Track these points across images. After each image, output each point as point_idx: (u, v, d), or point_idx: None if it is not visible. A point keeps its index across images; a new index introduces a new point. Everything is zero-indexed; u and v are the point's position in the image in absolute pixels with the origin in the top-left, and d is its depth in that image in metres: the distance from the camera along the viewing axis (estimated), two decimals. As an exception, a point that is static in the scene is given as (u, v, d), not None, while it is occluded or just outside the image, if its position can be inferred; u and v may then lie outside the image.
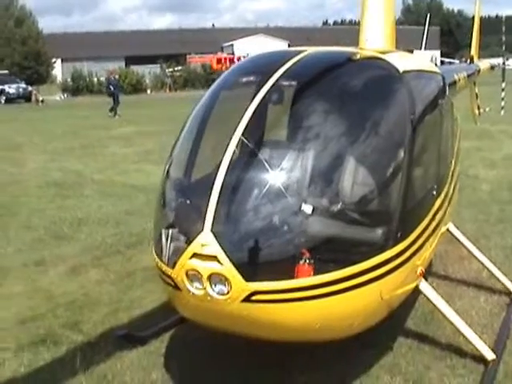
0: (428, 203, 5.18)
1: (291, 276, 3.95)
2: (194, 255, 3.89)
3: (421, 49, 13.80)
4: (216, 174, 4.03)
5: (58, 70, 75.47)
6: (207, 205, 3.92)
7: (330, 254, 4.20)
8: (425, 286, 5.36)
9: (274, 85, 4.44)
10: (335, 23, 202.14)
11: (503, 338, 5.77)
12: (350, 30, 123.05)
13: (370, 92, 4.86)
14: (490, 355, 5.30)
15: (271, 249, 4.03)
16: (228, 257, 3.80)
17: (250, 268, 3.90)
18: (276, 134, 4.63)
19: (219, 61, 67.13)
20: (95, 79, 59.35)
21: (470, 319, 5.90)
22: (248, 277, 3.84)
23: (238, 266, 3.82)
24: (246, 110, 4.26)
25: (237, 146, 4.12)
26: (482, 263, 6.97)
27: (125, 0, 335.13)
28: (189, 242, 3.95)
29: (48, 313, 6.44)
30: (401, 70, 5.01)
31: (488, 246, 8.14)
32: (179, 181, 4.87)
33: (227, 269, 3.80)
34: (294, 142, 4.56)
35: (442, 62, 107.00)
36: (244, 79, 5.14)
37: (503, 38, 26.30)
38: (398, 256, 4.43)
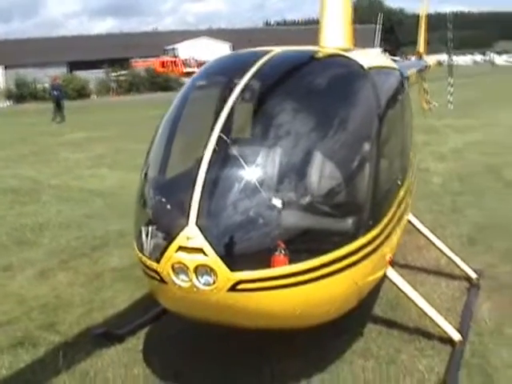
0: (394, 193, 5.44)
1: (270, 265, 4.13)
2: (180, 248, 4.06)
3: (374, 46, 14.16)
4: (197, 170, 4.20)
5: (1, 77, 74.01)
6: (190, 200, 4.10)
7: (305, 244, 4.40)
8: (392, 273, 5.61)
9: (246, 85, 4.64)
10: (278, 23, 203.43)
11: (467, 319, 6.06)
12: (291, 30, 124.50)
13: (338, 88, 5.08)
14: (456, 336, 5.58)
15: (251, 240, 4.20)
16: (213, 248, 3.99)
17: (234, 258, 4.07)
18: (250, 132, 4.77)
19: (163, 64, 66.88)
20: (39, 86, 58.31)
21: (433, 304, 6.08)
22: (233, 267, 4.02)
23: (223, 257, 4.00)
24: (223, 109, 4.46)
25: (216, 144, 4.30)
26: (442, 251, 7.28)
27: (65, 5, 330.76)
28: (174, 236, 4.11)
29: (23, 316, 6.47)
30: (365, 67, 5.26)
31: (445, 235, 8.44)
32: (159, 178, 5.00)
33: (213, 260, 3.98)
34: (267, 139, 4.70)
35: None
36: (216, 80, 5.31)
37: (449, 35, 27.01)
38: (368, 244, 4.68)
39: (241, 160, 4.33)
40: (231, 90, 4.60)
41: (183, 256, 4.05)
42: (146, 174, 5.06)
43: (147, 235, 4.50)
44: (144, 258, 4.49)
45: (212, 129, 4.38)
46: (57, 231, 9.92)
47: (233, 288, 4.03)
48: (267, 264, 4.11)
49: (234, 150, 4.39)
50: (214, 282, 4.03)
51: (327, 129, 4.79)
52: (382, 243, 4.92)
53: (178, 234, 4.07)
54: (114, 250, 8.70)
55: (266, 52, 5.08)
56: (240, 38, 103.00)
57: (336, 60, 5.45)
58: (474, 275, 7.14)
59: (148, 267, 4.42)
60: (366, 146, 4.86)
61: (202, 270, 4.02)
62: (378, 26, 18.69)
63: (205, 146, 4.31)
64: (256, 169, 4.40)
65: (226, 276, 4.00)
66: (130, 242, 8.70)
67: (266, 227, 4.26)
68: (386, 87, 5.67)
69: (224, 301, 4.09)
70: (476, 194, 11.18)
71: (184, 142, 5.21)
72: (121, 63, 65.43)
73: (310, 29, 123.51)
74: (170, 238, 4.17)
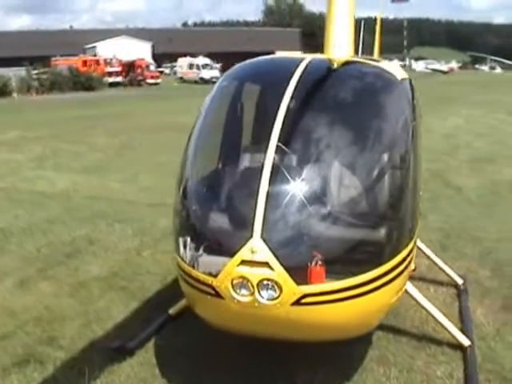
0: (419, 205, 5.48)
1: (335, 278, 4.09)
2: (243, 262, 3.93)
3: (358, 54, 14.20)
4: (259, 180, 4.08)
5: None
6: (254, 211, 3.98)
7: (367, 255, 4.42)
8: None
9: (295, 92, 4.55)
10: (195, 24, 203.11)
11: (469, 324, 6.18)
12: (210, 32, 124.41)
13: (385, 101, 5.10)
14: (466, 341, 5.68)
15: (317, 253, 4.13)
16: (279, 262, 3.88)
17: (301, 272, 3.98)
18: (306, 141, 4.70)
19: (85, 63, 65.51)
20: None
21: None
22: (298, 280, 3.93)
23: (289, 271, 3.90)
24: (276, 116, 4.35)
25: (275, 153, 4.19)
26: (426, 254, 7.38)
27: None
28: (235, 249, 3.98)
29: (17, 330, 6.13)
30: (399, 78, 5.29)
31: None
32: (209, 187, 4.87)
33: (279, 274, 3.89)
34: (326, 149, 4.68)
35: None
36: (258, 87, 5.21)
37: (405, 43, 27.48)
38: (408, 255, 4.74)
39: (305, 170, 4.27)
40: (280, 98, 4.49)
41: (246, 270, 3.93)
42: (187, 182, 4.91)
43: (198, 248, 4.35)
44: (194, 272, 4.33)
45: (268, 138, 4.26)
46: (22, 237, 9.45)
47: (297, 302, 3.96)
48: (332, 277, 4.07)
49: (296, 160, 4.33)
50: (277, 297, 3.94)
51: (386, 144, 4.80)
52: (411, 254, 4.98)
53: (240, 247, 3.94)
54: (90, 258, 8.40)
55: (302, 59, 5.03)
56: (160, 38, 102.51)
57: (375, 71, 5.44)
58: (460, 281, 7.30)
59: (199, 281, 4.26)
60: (411, 161, 4.88)
61: (265, 284, 3.92)
62: (361, 33, 18.62)
63: (263, 155, 4.20)
64: (321, 179, 4.36)
65: (291, 290, 3.92)
66: (102, 249, 8.63)
67: (332, 240, 4.21)
68: (415, 98, 5.71)
69: (286, 315, 4.00)
70: (432, 201, 11.36)
71: (234, 150, 5.10)
72: (41, 61, 63.53)
73: (228, 30, 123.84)
74: (230, 251, 4.04)
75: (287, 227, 4.16)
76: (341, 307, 4.12)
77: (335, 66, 4.97)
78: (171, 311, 6.26)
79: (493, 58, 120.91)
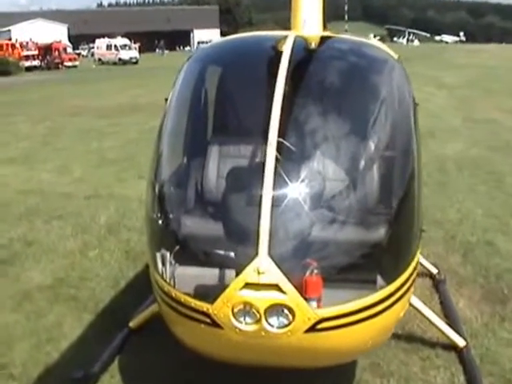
0: None
1: (359, 296, 3.52)
2: (247, 285, 3.25)
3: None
4: (261, 184, 3.36)
5: None
6: (258, 223, 3.26)
7: (389, 269, 3.86)
8: None
9: (288, 76, 3.78)
10: (110, 5, 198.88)
11: (457, 321, 5.75)
12: (126, 12, 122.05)
13: (393, 84, 4.52)
14: (461, 342, 5.25)
15: (336, 270, 3.56)
16: (291, 284, 3.24)
17: (316, 294, 3.38)
18: (311, 134, 4.03)
19: (1, 47, 62.57)
20: None
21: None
22: (314, 304, 3.33)
23: (303, 294, 3.29)
24: (271, 107, 3.59)
25: (277, 149, 3.47)
26: None
27: None
28: (237, 270, 3.30)
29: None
30: (396, 57, 4.73)
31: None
32: (197, 192, 4.20)
33: (292, 298, 3.23)
34: (338, 142, 4.06)
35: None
36: (240, 71, 4.53)
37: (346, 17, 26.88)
38: (416, 267, 4.23)
39: (316, 170, 3.64)
40: (271, 82, 3.73)
41: (251, 295, 3.23)
42: (166, 184, 4.19)
43: (185, 266, 3.67)
44: (182, 296, 3.57)
45: (265, 131, 3.50)
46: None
47: (312, 328, 3.33)
48: (352, 297, 3.49)
49: (303, 158, 3.69)
50: (289, 323, 3.28)
51: (394, 138, 4.23)
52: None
53: (243, 267, 3.23)
54: (30, 263, 7.54)
55: (282, 37, 4.38)
56: (76, 20, 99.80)
57: (373, 51, 4.85)
58: (434, 270, 6.90)
59: (188, 307, 3.52)
60: (416, 157, 4.31)
61: (275, 310, 3.26)
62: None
63: (260, 152, 3.54)
64: (336, 181, 3.73)
65: (305, 315, 3.27)
66: (42, 252, 7.80)
67: (351, 255, 3.64)
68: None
69: (298, 343, 3.36)
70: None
71: (221, 146, 4.41)
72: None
73: (146, 10, 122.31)
74: (230, 272, 3.40)
75: (299, 241, 3.55)
76: (359, 329, 3.53)
77: (327, 44, 4.37)
78: (132, 324, 5.57)
79: (410, 30, 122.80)
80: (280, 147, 3.49)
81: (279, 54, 3.94)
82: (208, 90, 4.95)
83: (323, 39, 4.83)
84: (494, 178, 11.41)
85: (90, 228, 8.92)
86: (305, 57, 4.30)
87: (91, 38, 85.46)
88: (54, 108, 24.34)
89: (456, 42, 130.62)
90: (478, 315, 5.97)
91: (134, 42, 76.45)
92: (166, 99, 4.72)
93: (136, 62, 68.87)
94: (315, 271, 3.40)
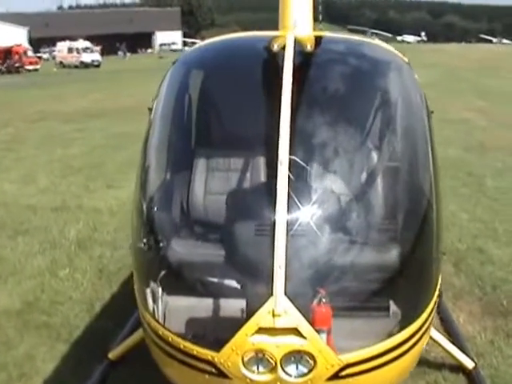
0: None
1: (387, 336, 3.10)
2: (260, 330, 2.77)
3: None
4: (273, 209, 2.87)
5: None
6: (272, 255, 2.77)
7: (416, 305, 3.43)
8: None
9: (294, 79, 3.30)
10: (70, 7, 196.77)
11: (462, 339, 5.37)
12: (88, 14, 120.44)
13: (408, 88, 4.09)
14: (470, 363, 4.88)
15: (362, 309, 3.13)
16: (313, 327, 2.79)
17: (341, 337, 2.95)
18: (327, 150, 3.55)
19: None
20: None
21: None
22: (339, 348, 2.89)
23: (326, 337, 2.84)
24: (278, 118, 3.08)
25: (289, 168, 2.98)
26: None
27: None
28: (248, 312, 2.84)
29: None
30: (406, 60, 4.32)
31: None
32: (196, 208, 3.67)
33: (313, 343, 2.77)
34: (356, 159, 3.61)
35: (186, 44, 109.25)
36: (233, 76, 4.06)
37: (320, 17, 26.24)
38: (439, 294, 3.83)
39: (334, 191, 3.19)
40: (273, 89, 3.26)
41: (265, 340, 2.75)
42: (157, 204, 3.73)
43: (183, 305, 3.18)
44: (181, 342, 3.06)
45: (274, 146, 3.00)
46: None
47: (335, 375, 2.88)
48: (379, 337, 3.07)
49: (320, 177, 3.24)
50: (309, 371, 2.82)
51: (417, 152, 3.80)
52: None
53: (256, 308, 2.76)
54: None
55: (277, 37, 3.93)
56: (36, 23, 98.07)
57: (382, 52, 4.41)
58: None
59: (189, 355, 3.01)
60: (435, 172, 3.90)
61: (293, 357, 2.79)
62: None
63: (267, 170, 3.09)
64: (361, 203, 3.29)
65: (328, 362, 2.82)
66: (8, 272, 7.22)
67: (374, 292, 3.22)
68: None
69: None
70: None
71: (219, 160, 3.93)
72: None
73: (107, 12, 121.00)
74: (240, 314, 2.93)
75: (320, 277, 3.10)
76: (384, 370, 3.11)
77: (331, 45, 3.94)
78: (111, 355, 5.05)
79: (373, 31, 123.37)
80: (292, 166, 3.02)
81: (279, 56, 3.49)
82: (198, 97, 4.47)
83: (325, 40, 4.39)
84: (475, 181, 11.16)
85: (59, 244, 8.35)
86: (309, 59, 3.85)
87: (52, 41, 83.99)
88: (15, 113, 23.53)
89: (418, 41, 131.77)
90: (481, 331, 5.62)
91: (96, 45, 75.29)
92: (150, 109, 4.24)
93: (98, 65, 67.84)
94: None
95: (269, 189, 2.98)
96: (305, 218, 3.13)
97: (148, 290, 3.42)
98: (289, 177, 2.90)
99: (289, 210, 2.89)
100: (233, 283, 3.17)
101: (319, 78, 3.85)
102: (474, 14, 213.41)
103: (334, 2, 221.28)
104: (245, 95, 4.01)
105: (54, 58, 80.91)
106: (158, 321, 3.28)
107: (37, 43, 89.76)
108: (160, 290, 3.41)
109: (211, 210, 3.89)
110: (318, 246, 3.13)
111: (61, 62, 72.49)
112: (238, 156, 4.12)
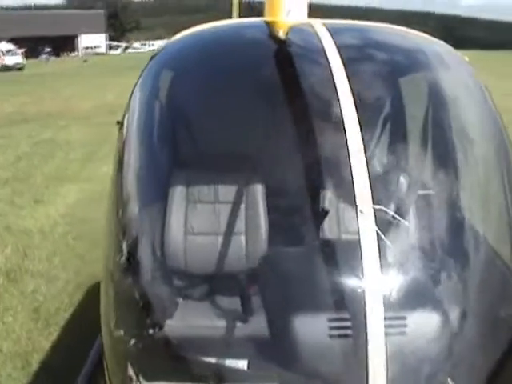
0: None
1: None
2: None
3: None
4: (361, 266, 1.87)
5: None
6: (367, 359, 1.77)
7: None
8: None
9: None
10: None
11: None
12: (10, 16, 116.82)
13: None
14: None
15: None
16: None
17: None
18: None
19: None
20: None
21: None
22: None
23: None
24: (344, 128, 2.12)
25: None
26: None
27: None
28: None
29: None
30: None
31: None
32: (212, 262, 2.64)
33: None
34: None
35: (111, 47, 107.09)
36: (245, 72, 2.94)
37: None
38: None
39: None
40: (327, 97, 2.27)
41: None
42: (150, 251, 2.74)
43: None
44: None
45: (344, 186, 2.04)
46: None
47: None
48: None
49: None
50: None
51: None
52: None
53: None
54: None
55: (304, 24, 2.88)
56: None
57: (438, 48, 3.37)
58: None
59: None
60: None
61: None
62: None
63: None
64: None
65: None
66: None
67: None
68: None
69: None
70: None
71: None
72: None
73: (30, 14, 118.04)
74: None
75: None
76: None
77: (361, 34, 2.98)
78: None
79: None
80: (377, 217, 1.96)
81: (314, 47, 2.45)
82: (187, 106, 3.29)
83: (344, 28, 3.36)
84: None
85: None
86: (356, 54, 2.81)
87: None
88: None
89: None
90: None
91: (20, 48, 72.40)
92: (119, 122, 3.08)
93: (21, 69, 65.07)
94: None
95: (345, 249, 1.95)
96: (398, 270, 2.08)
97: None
98: (377, 233, 1.84)
99: (381, 258, 1.88)
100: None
101: (373, 76, 2.81)
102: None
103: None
104: (269, 104, 2.90)
105: (-27, 61, 77.55)
106: None
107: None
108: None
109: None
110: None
111: (-19, 65, 69.36)
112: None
